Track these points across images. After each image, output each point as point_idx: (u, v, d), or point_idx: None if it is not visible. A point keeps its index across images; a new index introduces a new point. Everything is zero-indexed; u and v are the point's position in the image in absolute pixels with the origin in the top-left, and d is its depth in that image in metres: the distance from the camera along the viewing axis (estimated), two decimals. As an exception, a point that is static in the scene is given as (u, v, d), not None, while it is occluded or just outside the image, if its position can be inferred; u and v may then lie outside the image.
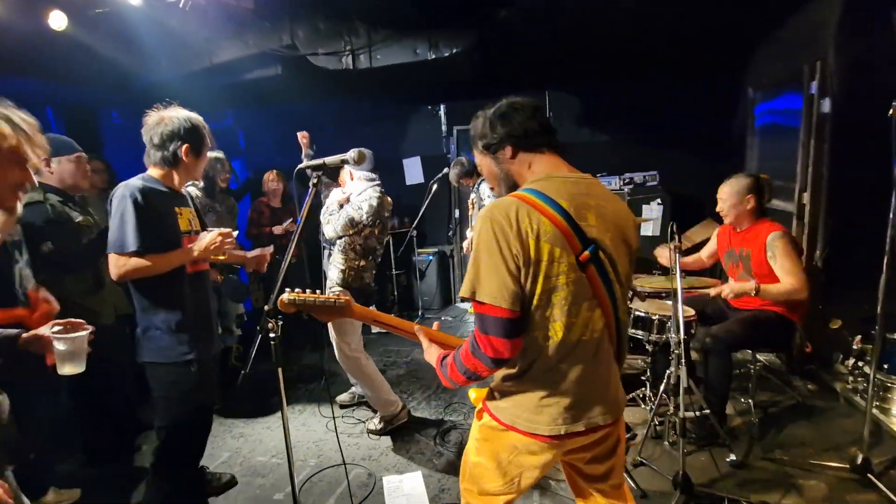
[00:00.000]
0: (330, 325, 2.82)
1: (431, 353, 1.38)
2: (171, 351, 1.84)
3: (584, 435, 1.23)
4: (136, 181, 1.80)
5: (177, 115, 1.84)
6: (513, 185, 1.28)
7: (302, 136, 3.58)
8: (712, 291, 2.60)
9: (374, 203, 2.74)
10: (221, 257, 1.98)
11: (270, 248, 2.32)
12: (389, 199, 2.92)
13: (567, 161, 1.29)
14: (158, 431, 1.91)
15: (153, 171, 1.89)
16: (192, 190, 3.28)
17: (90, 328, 1.38)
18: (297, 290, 1.46)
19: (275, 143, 5.47)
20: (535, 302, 1.14)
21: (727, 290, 2.50)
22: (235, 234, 1.93)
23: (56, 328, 1.34)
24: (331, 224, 2.77)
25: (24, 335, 1.31)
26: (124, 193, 1.74)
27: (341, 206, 2.80)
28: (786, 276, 2.46)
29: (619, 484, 1.40)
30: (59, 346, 1.31)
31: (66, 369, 1.34)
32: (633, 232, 1.27)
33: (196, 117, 1.88)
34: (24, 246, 2.10)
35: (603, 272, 1.18)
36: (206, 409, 2.06)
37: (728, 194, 2.62)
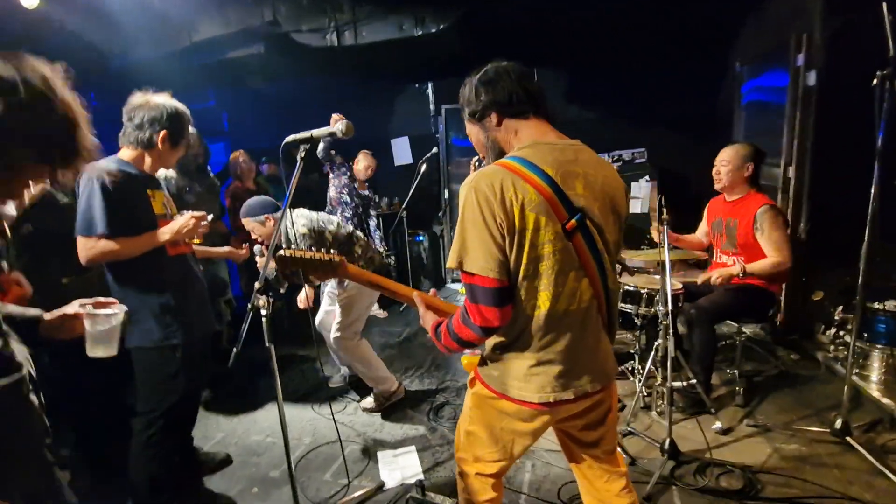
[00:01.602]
0: (332, 311, 2.80)
1: (427, 320, 1.39)
2: (154, 335, 1.81)
3: (574, 402, 1.25)
4: (104, 163, 1.75)
5: (164, 101, 1.81)
6: (500, 153, 1.26)
7: (337, 118, 3.38)
8: (700, 279, 2.64)
9: (294, 226, 2.61)
10: (196, 241, 1.96)
11: (244, 250, 2.26)
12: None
13: (555, 128, 1.26)
14: (140, 417, 1.88)
15: (124, 152, 1.84)
16: (163, 171, 3.18)
17: (124, 307, 1.28)
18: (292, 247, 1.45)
19: (259, 124, 5.38)
20: (521, 272, 1.15)
21: (715, 275, 2.54)
22: (210, 217, 1.89)
23: (88, 307, 1.23)
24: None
25: (48, 316, 1.21)
26: (91, 175, 1.69)
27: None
28: (772, 250, 2.50)
29: (611, 450, 1.43)
30: (93, 325, 1.22)
31: (100, 351, 1.24)
32: (623, 199, 1.26)
33: (183, 109, 1.85)
34: None
35: (590, 241, 1.17)
36: (192, 395, 2.02)
37: (730, 157, 2.63)
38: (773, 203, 2.59)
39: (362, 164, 4.40)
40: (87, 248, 1.70)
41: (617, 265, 1.34)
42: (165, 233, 1.78)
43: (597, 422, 1.37)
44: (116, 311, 1.26)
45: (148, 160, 1.84)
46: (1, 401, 0.95)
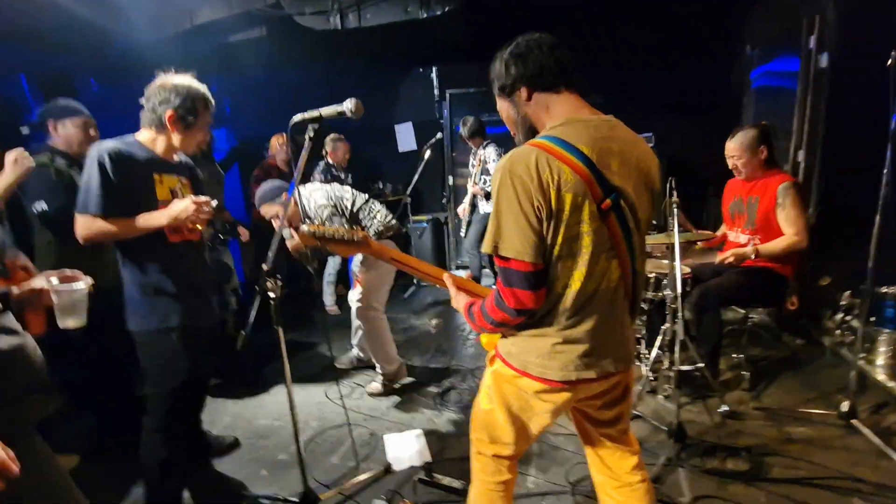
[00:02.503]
0: (357, 283, 2.86)
1: (459, 301, 1.38)
2: (152, 318, 1.80)
3: (596, 381, 1.24)
4: (110, 142, 1.74)
5: (178, 81, 1.77)
6: (531, 130, 1.23)
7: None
8: (717, 259, 2.60)
9: (317, 202, 2.67)
10: (199, 227, 1.93)
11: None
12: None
13: (588, 101, 1.22)
14: (148, 402, 1.88)
15: (141, 133, 1.82)
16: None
17: (89, 279, 1.34)
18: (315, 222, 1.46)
19: (261, 110, 5.32)
20: (555, 252, 1.13)
21: (730, 256, 2.50)
22: (214, 203, 1.85)
23: (53, 280, 1.27)
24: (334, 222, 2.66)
25: (17, 291, 1.24)
26: (93, 154, 1.69)
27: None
28: (789, 227, 2.46)
29: (626, 429, 1.43)
30: (58, 298, 1.27)
31: (70, 322, 1.30)
32: (657, 175, 1.24)
33: (198, 90, 1.79)
34: (4, 215, 2.08)
35: (623, 221, 1.15)
36: (197, 380, 1.99)
37: (738, 150, 2.56)
38: (795, 179, 2.55)
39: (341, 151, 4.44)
40: (83, 226, 1.70)
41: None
42: (162, 216, 1.73)
43: (615, 400, 1.37)
44: (80, 284, 1.31)
45: (161, 142, 1.81)
46: None
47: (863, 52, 2.85)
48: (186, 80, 1.79)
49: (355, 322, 3.12)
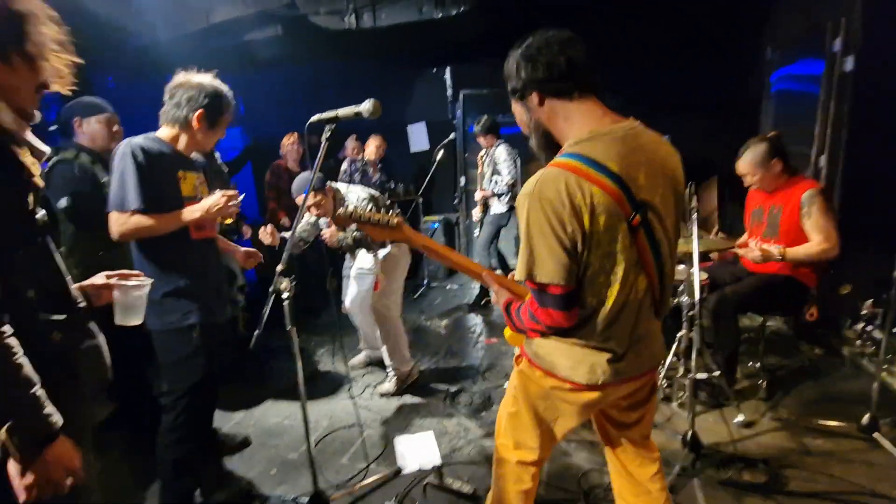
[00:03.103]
0: (360, 292, 2.98)
1: (501, 297, 1.37)
2: (172, 316, 1.81)
3: (623, 384, 1.25)
4: (138, 139, 1.75)
5: (204, 80, 1.79)
6: (545, 136, 1.20)
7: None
8: (740, 250, 2.53)
9: (359, 195, 2.80)
10: (228, 220, 1.93)
11: (260, 257, 2.25)
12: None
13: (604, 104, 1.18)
14: (166, 400, 1.89)
15: (162, 131, 1.83)
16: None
17: (149, 280, 1.36)
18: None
19: (275, 109, 5.34)
20: (589, 272, 1.13)
21: (757, 252, 2.42)
22: (242, 196, 1.88)
23: (114, 278, 1.30)
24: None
25: (76, 286, 1.24)
26: (125, 151, 1.69)
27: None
28: (818, 235, 2.39)
29: (647, 434, 1.42)
30: (122, 296, 1.30)
31: (130, 320, 1.34)
32: (681, 176, 1.22)
33: (224, 90, 1.82)
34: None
35: (650, 234, 1.14)
36: (212, 375, 1.99)
37: (750, 167, 2.49)
38: (821, 186, 2.47)
39: (373, 145, 4.46)
40: (119, 223, 1.70)
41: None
42: (196, 210, 1.75)
43: (640, 401, 1.37)
44: (143, 281, 1.34)
45: (184, 140, 1.82)
46: None
47: (889, 55, 2.78)
48: (210, 79, 1.81)
49: (363, 323, 3.17)
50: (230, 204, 1.80)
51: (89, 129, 2.35)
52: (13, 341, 0.92)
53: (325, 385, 3.13)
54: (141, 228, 1.70)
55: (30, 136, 1.05)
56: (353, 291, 3.11)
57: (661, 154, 1.18)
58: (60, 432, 0.95)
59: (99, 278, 1.29)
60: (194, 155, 1.95)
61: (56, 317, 1.06)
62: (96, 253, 2.27)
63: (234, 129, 5.59)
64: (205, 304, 1.86)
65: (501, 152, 4.14)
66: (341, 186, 2.87)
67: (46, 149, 1.08)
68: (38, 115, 1.05)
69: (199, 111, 1.75)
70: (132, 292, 1.31)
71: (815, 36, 3.23)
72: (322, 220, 2.89)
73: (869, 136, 2.91)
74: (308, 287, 4.81)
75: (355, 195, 2.79)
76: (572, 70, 1.12)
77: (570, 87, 1.13)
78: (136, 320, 1.35)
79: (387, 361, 3.00)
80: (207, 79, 1.80)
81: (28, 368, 0.93)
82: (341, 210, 1.51)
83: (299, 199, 2.76)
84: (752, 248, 2.44)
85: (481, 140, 4.30)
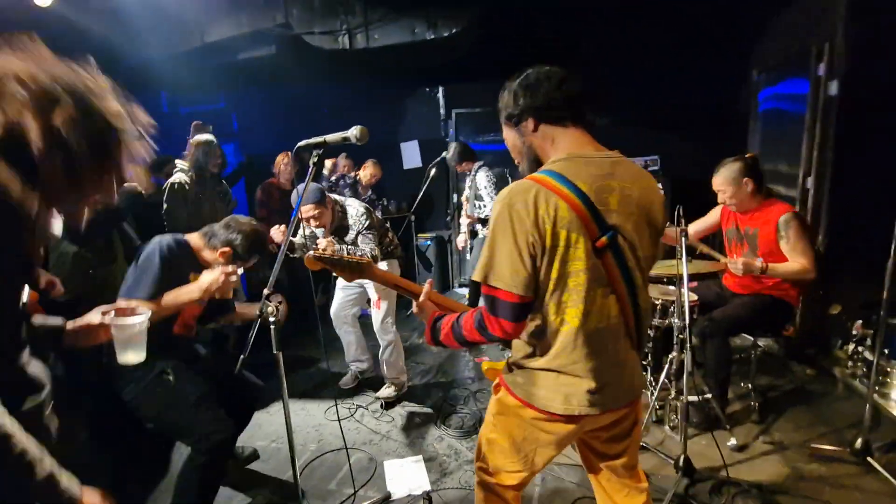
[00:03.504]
0: (348, 303, 3.10)
1: (427, 309, 1.39)
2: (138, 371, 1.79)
3: (601, 416, 1.23)
4: (169, 238, 1.94)
5: (244, 226, 2.03)
6: (535, 160, 1.25)
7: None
8: (722, 260, 2.54)
9: (357, 209, 2.88)
10: (227, 297, 1.98)
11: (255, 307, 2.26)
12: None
13: (593, 136, 1.24)
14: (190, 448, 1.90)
15: (193, 238, 2.03)
16: (182, 176, 3.20)
17: (148, 312, 1.28)
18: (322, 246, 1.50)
19: (269, 126, 5.36)
20: (550, 287, 1.14)
21: (740, 263, 2.43)
22: (241, 271, 1.90)
23: (109, 314, 1.22)
24: (368, 246, 2.82)
25: (70, 324, 1.19)
26: (153, 248, 1.88)
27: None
28: (798, 257, 2.42)
29: (633, 464, 1.40)
30: (118, 332, 1.21)
31: (130, 357, 1.25)
32: (660, 212, 1.24)
33: (254, 232, 2.03)
34: None
35: (621, 259, 1.15)
36: (211, 403, 1.95)
37: (723, 183, 2.53)
38: (795, 210, 2.51)
39: (369, 171, 4.50)
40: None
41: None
42: (194, 289, 1.80)
43: (622, 435, 1.35)
44: (139, 317, 1.25)
45: (207, 256, 2.01)
46: (23, 422, 0.89)
47: (873, 80, 2.84)
48: (249, 224, 2.03)
49: (350, 336, 3.23)
50: (230, 280, 1.82)
51: None
52: (9, 425, 0.82)
53: (315, 404, 3.08)
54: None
55: None
56: (336, 303, 3.17)
57: (639, 185, 1.20)
58: (79, 495, 0.90)
59: (93, 315, 1.21)
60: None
61: None
62: (87, 270, 2.25)
63: (228, 146, 5.59)
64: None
65: (482, 179, 4.14)
66: (339, 199, 2.92)
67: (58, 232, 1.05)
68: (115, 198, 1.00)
69: (227, 249, 1.98)
70: (130, 328, 1.22)
71: (800, 60, 3.29)
72: (319, 231, 2.93)
73: (855, 158, 2.96)
74: (297, 304, 4.79)
75: (354, 209, 2.85)
76: (568, 101, 1.20)
77: (564, 115, 1.20)
78: (138, 357, 1.26)
79: (385, 374, 3.09)
80: (247, 224, 2.02)
81: (31, 450, 0.84)
82: (310, 253, 1.53)
83: (304, 209, 2.80)
84: (735, 261, 2.46)
85: (459, 168, 4.30)
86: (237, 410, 2.12)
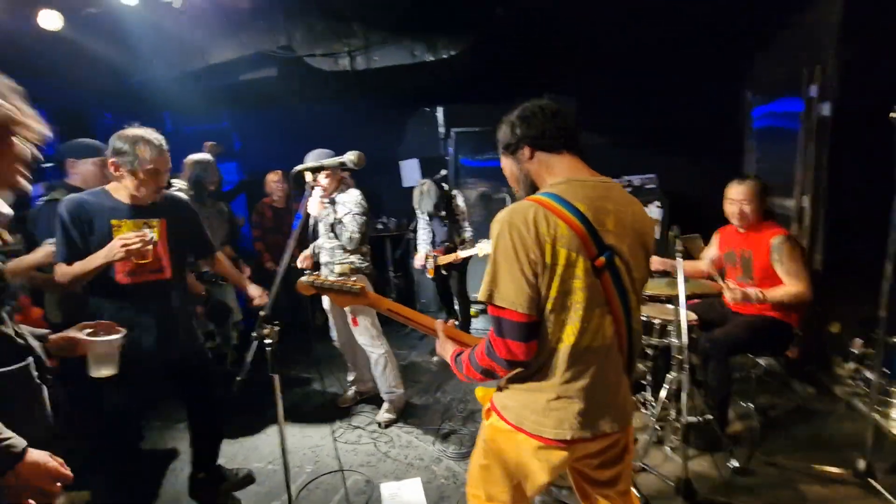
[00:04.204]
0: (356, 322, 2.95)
1: (447, 349, 1.40)
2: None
3: (592, 441, 1.23)
4: (74, 195, 1.97)
5: (122, 132, 1.95)
6: (531, 187, 1.29)
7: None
8: (726, 293, 2.54)
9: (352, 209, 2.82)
10: (143, 260, 1.99)
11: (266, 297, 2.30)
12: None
13: (587, 164, 1.29)
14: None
15: (112, 183, 2.01)
16: (180, 195, 3.22)
17: (122, 331, 1.45)
18: (315, 273, 1.53)
19: (270, 146, 5.41)
20: (549, 305, 1.15)
21: (739, 294, 2.45)
22: (150, 236, 1.92)
23: (88, 331, 1.38)
24: (347, 233, 2.78)
25: (53, 337, 1.33)
26: (58, 210, 1.92)
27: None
28: (791, 280, 2.43)
29: (625, 490, 1.39)
30: (95, 349, 1.37)
31: (103, 371, 1.41)
32: (651, 236, 1.28)
33: (133, 134, 1.93)
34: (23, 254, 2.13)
35: (617, 279, 1.17)
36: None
37: (747, 195, 2.53)
38: (788, 233, 2.53)
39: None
40: (59, 272, 1.92)
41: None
42: (97, 256, 1.86)
43: (613, 460, 1.34)
44: (116, 336, 1.43)
45: (122, 188, 1.99)
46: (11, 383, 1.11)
47: (865, 102, 2.87)
48: (133, 131, 1.95)
49: (353, 356, 3.19)
50: (131, 244, 1.85)
51: (82, 171, 2.38)
52: None
53: (312, 426, 3.05)
54: (69, 275, 1.89)
55: None
56: (340, 329, 3.14)
57: (632, 210, 1.25)
58: (25, 450, 1.03)
59: (74, 331, 1.35)
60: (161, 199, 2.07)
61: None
62: (79, 290, 2.27)
63: (230, 165, 5.66)
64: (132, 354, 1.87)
65: (460, 203, 4.00)
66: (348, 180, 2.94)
67: (9, 211, 1.18)
68: (27, 186, 1.13)
69: (112, 160, 1.93)
70: (102, 346, 1.37)
71: (793, 81, 3.34)
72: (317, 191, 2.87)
73: (848, 178, 2.98)
74: (297, 320, 4.78)
75: (356, 192, 2.85)
76: (561, 131, 1.26)
77: (558, 143, 1.26)
78: (108, 371, 1.42)
79: (382, 393, 3.04)
80: (128, 131, 1.95)
81: None
82: (302, 278, 1.55)
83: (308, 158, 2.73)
84: (734, 289, 2.46)
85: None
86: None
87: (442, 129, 5.45)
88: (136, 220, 2.00)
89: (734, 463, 2.39)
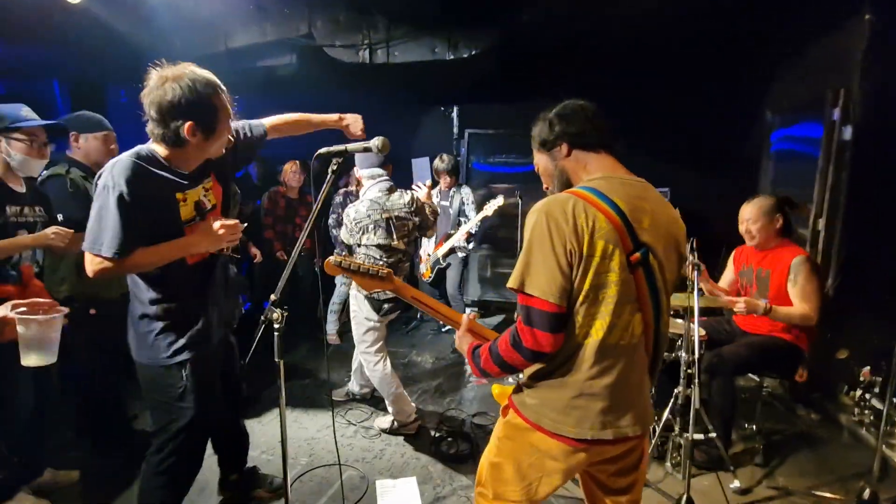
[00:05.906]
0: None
1: (465, 341, 1.38)
2: (159, 353, 1.64)
3: (612, 444, 1.20)
4: (127, 161, 1.48)
5: (181, 79, 1.47)
6: (566, 184, 1.29)
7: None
8: (727, 302, 2.51)
9: (373, 195, 2.66)
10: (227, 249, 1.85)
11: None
12: (406, 192, 2.81)
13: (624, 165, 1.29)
14: (153, 439, 1.76)
15: (157, 148, 1.56)
16: None
17: (63, 310, 1.16)
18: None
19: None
20: (581, 297, 1.13)
21: (742, 303, 2.41)
22: (244, 225, 1.77)
23: (22, 309, 1.10)
24: (344, 226, 2.72)
25: None
26: (107, 184, 1.45)
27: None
28: (802, 301, 2.41)
29: (637, 500, 1.36)
30: (24, 329, 1.08)
31: (32, 359, 1.12)
32: (684, 241, 1.27)
33: (206, 80, 1.52)
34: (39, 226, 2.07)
35: (651, 278, 1.16)
36: (205, 415, 1.76)
37: (756, 215, 2.53)
38: (808, 254, 2.51)
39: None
40: (94, 263, 1.49)
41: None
42: (180, 249, 1.57)
43: (630, 467, 1.31)
44: (52, 315, 1.13)
45: (182, 157, 1.56)
46: None
47: (888, 126, 2.85)
48: (190, 72, 1.50)
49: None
50: (229, 233, 1.62)
51: (85, 145, 2.31)
52: None
53: (309, 417, 3.02)
54: (113, 272, 1.49)
55: None
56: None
57: (668, 213, 1.24)
58: None
59: (3, 309, 1.11)
60: None
61: None
62: (83, 269, 2.22)
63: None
64: (198, 335, 1.69)
65: (468, 195, 4.22)
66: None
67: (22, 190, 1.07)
68: None
69: (189, 123, 1.47)
70: (39, 327, 1.09)
71: (814, 103, 3.32)
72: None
73: (868, 203, 2.95)
74: (298, 314, 4.75)
75: (355, 208, 2.68)
76: (599, 130, 1.27)
77: (596, 142, 1.27)
78: (45, 360, 1.13)
79: (389, 409, 2.84)
80: (187, 74, 1.49)
81: None
82: (330, 258, 1.50)
83: (358, 173, 2.86)
84: (739, 301, 2.44)
85: (443, 182, 4.25)
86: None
87: (456, 130, 5.44)
88: (196, 189, 1.65)
89: (736, 484, 2.35)
